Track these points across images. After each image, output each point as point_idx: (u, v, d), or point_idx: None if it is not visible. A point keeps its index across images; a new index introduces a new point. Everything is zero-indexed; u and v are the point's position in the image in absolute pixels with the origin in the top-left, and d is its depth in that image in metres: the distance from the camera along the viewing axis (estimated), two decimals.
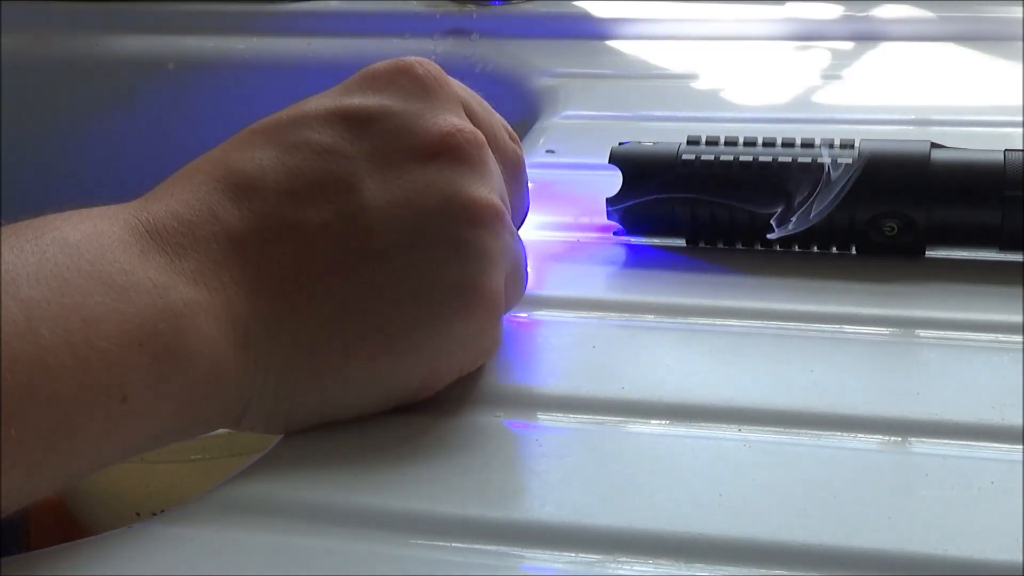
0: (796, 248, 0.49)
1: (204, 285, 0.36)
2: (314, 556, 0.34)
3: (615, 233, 0.52)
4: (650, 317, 0.46)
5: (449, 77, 0.42)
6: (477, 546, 0.35)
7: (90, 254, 0.34)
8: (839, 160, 0.48)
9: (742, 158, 0.49)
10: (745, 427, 0.39)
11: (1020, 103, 0.64)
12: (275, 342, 0.37)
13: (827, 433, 0.38)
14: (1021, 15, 0.75)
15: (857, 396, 0.40)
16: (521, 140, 0.51)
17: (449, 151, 0.39)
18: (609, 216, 0.51)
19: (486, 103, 0.44)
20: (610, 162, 0.50)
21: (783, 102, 0.68)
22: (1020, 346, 0.42)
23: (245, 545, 0.35)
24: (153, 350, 0.34)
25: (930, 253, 0.48)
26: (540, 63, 0.76)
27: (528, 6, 0.83)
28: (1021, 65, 0.70)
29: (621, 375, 0.42)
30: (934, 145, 0.48)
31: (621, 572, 0.33)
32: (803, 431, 0.39)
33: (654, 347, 0.44)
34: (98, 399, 0.33)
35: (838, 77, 0.71)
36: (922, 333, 0.44)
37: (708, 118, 0.66)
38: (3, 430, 0.31)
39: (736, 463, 0.37)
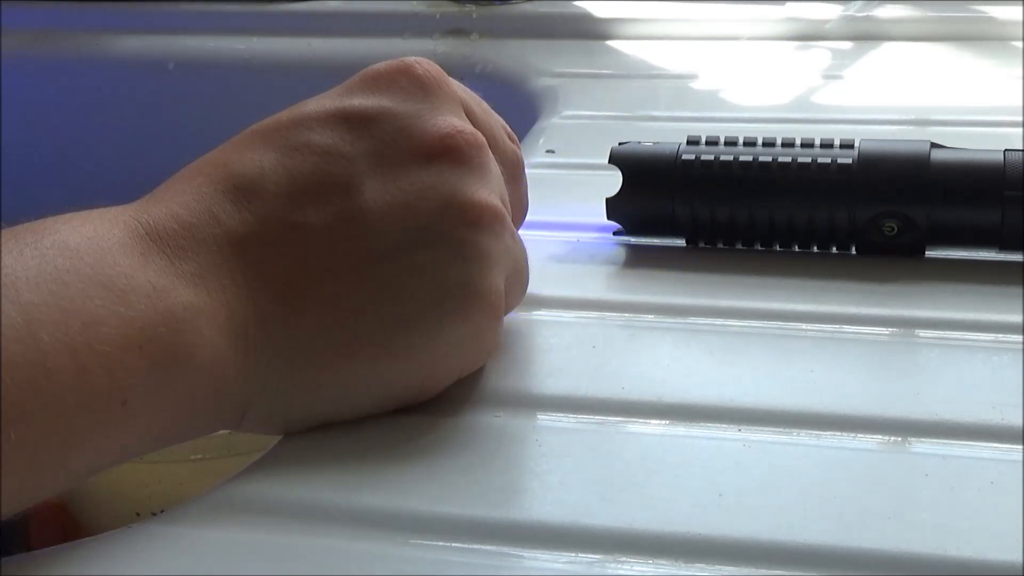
0: (796, 248, 0.50)
1: (204, 288, 0.36)
2: (314, 556, 0.34)
3: (615, 233, 0.52)
4: (650, 317, 0.46)
5: (449, 77, 0.42)
6: (477, 546, 0.35)
7: (90, 257, 0.34)
8: (839, 160, 0.48)
9: (742, 158, 0.49)
10: (745, 427, 0.39)
11: (1020, 103, 0.64)
12: (275, 344, 0.37)
13: (827, 433, 0.38)
14: (1021, 15, 0.75)
15: (857, 396, 0.40)
16: (521, 140, 0.51)
17: (449, 152, 0.39)
18: (609, 216, 0.51)
19: (485, 104, 0.44)
20: (610, 162, 0.50)
21: (783, 102, 0.68)
22: (1020, 346, 0.42)
23: (245, 545, 0.35)
24: (153, 354, 0.34)
25: (930, 253, 0.48)
26: (540, 63, 0.76)
27: (528, 6, 0.83)
28: (1021, 65, 0.70)
29: (621, 375, 0.42)
30: (934, 145, 0.48)
31: (621, 572, 0.33)
32: (803, 431, 0.39)
33: (654, 347, 0.44)
34: (98, 403, 0.33)
35: (838, 77, 0.71)
36: (922, 333, 0.44)
37: (708, 118, 0.66)
38: (3, 434, 0.31)
39: (736, 463, 0.37)
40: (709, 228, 0.50)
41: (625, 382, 0.42)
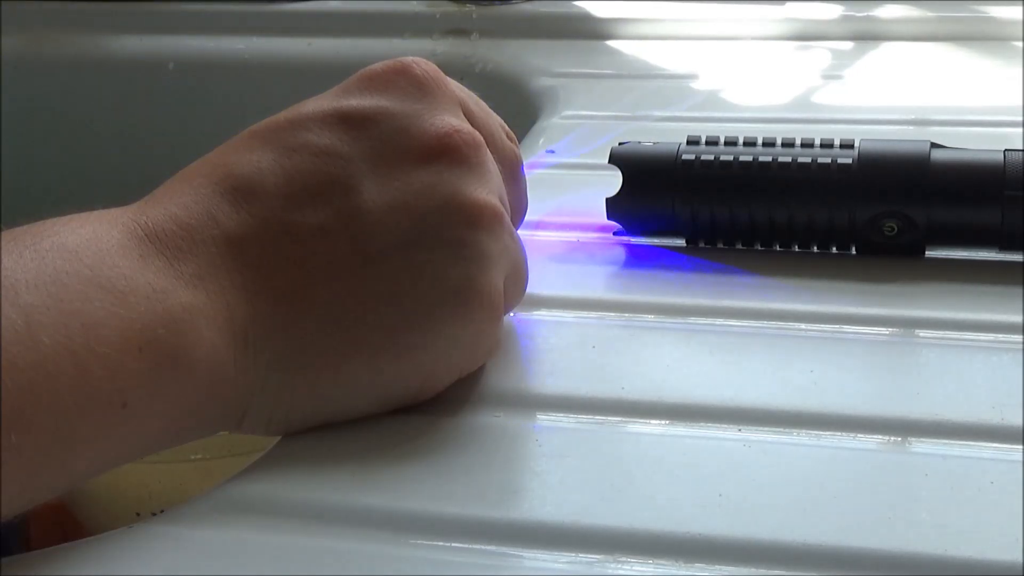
0: (796, 248, 0.50)
1: (203, 289, 0.36)
2: (314, 556, 0.34)
3: (615, 233, 0.52)
4: (650, 317, 0.46)
5: (447, 77, 0.42)
6: (477, 546, 0.35)
7: (89, 259, 0.34)
8: (839, 160, 0.48)
9: (742, 158, 0.49)
10: (745, 427, 0.39)
11: (1020, 103, 0.64)
12: (274, 345, 0.37)
13: (827, 433, 0.38)
14: (1021, 15, 0.75)
15: (857, 396, 0.40)
16: (521, 140, 0.51)
17: (447, 152, 0.39)
18: (609, 216, 0.51)
19: (483, 103, 0.44)
20: (610, 162, 0.50)
21: (783, 102, 0.68)
22: (1020, 346, 0.42)
23: (245, 545, 0.35)
24: (153, 355, 0.34)
25: (930, 253, 0.48)
26: (540, 63, 0.76)
27: (528, 6, 0.83)
28: (1021, 65, 0.70)
29: (621, 375, 0.42)
30: (934, 145, 0.48)
31: (621, 572, 0.33)
32: (803, 431, 0.39)
33: (654, 347, 0.44)
34: (98, 405, 0.33)
35: (838, 77, 0.71)
36: (922, 333, 0.44)
37: (708, 118, 0.66)
38: (3, 436, 0.31)
39: (736, 463, 0.37)
40: (709, 228, 0.50)
41: (625, 382, 0.42)
